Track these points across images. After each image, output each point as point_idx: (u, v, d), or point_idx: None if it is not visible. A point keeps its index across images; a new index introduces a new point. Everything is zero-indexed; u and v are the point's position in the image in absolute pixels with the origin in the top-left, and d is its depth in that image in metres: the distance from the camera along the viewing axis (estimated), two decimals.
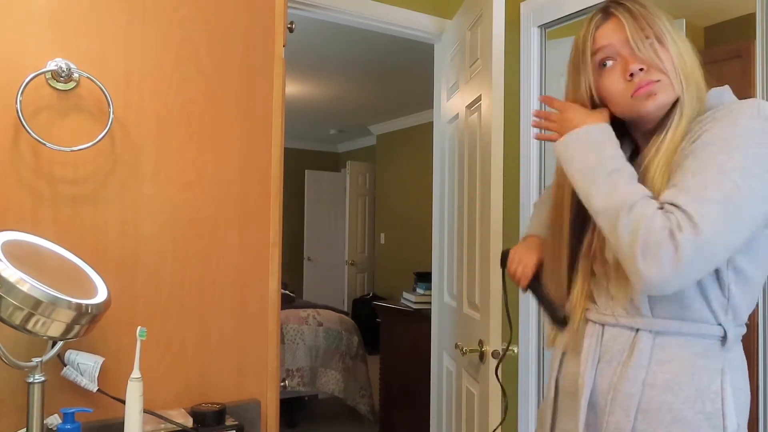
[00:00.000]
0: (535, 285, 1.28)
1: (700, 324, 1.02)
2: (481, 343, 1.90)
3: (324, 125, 7.22)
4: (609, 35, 1.08)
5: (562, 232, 1.17)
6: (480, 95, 2.00)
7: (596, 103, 1.13)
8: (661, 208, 0.94)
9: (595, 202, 1.00)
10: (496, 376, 1.58)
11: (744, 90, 2.72)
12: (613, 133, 1.08)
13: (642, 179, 1.03)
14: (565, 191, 1.15)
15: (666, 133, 1.04)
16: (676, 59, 1.05)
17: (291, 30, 1.61)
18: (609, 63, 1.09)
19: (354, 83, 5.35)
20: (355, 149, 8.30)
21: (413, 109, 6.28)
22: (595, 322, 1.12)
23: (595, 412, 1.08)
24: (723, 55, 2.87)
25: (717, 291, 1.01)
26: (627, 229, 0.94)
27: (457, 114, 2.32)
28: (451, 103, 2.46)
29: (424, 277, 3.52)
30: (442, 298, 2.59)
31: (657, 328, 1.04)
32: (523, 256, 1.30)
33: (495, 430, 1.68)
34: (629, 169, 1.02)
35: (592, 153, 1.04)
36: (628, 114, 1.10)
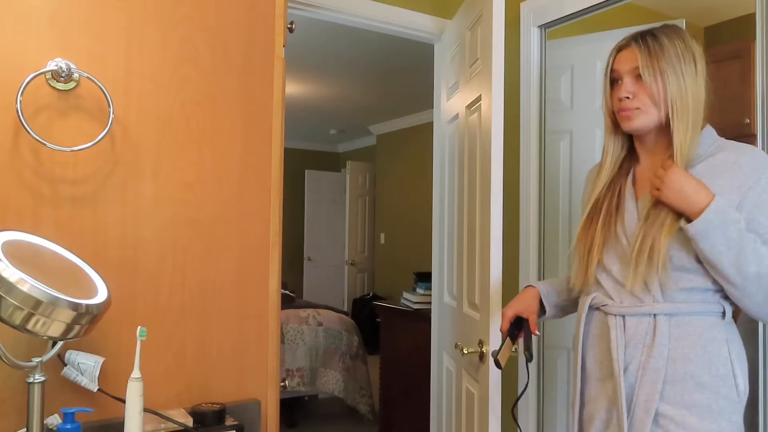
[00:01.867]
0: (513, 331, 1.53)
1: (704, 304, 1.26)
2: (481, 343, 1.90)
3: (324, 125, 7.22)
4: (623, 61, 1.33)
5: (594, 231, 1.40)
6: (480, 95, 2.00)
7: (611, 112, 1.39)
8: None
9: (749, 268, 1.18)
10: (513, 416, 1.70)
11: (744, 90, 2.73)
12: (730, 205, 1.24)
13: (642, 189, 1.33)
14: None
15: (674, 157, 1.27)
16: (670, 91, 1.27)
17: (291, 30, 1.61)
18: (618, 82, 1.35)
19: (354, 83, 5.35)
20: (355, 149, 8.30)
21: (413, 109, 6.28)
22: (616, 315, 1.32)
23: (625, 390, 1.28)
24: (723, 55, 2.87)
25: (716, 283, 1.24)
26: None
27: (457, 114, 2.32)
28: (451, 103, 2.46)
29: (424, 277, 3.52)
30: (442, 298, 2.59)
31: (671, 311, 1.26)
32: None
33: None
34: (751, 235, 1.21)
35: (731, 228, 1.19)
36: (620, 126, 1.37)
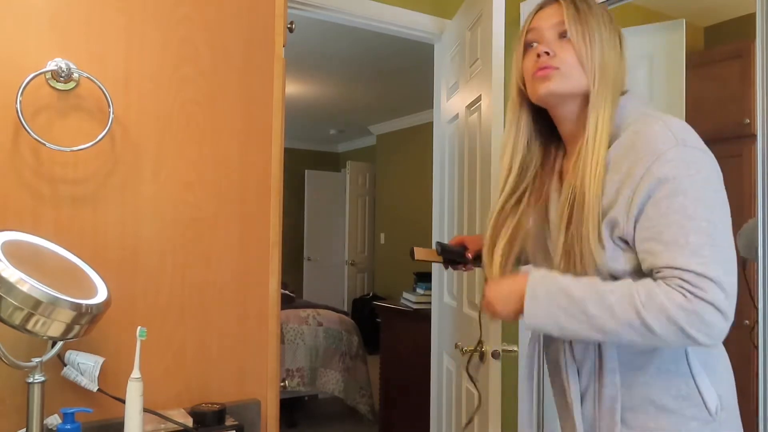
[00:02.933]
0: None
1: None
2: (481, 343, 1.90)
3: (324, 125, 7.22)
4: (542, 18, 1.13)
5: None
6: (480, 95, 2.00)
7: (521, 86, 1.17)
8: (657, 280, 0.98)
9: (608, 325, 0.98)
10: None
11: (744, 90, 2.73)
12: (545, 272, 1.08)
13: (581, 191, 1.06)
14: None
15: (589, 145, 1.06)
16: (596, 58, 1.08)
17: (291, 30, 1.61)
18: (534, 45, 1.13)
19: (354, 83, 5.35)
20: (355, 149, 8.29)
21: (413, 109, 6.28)
22: (559, 339, 1.16)
23: (586, 421, 1.13)
24: (723, 55, 2.87)
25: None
26: (660, 322, 0.95)
27: (457, 114, 2.32)
28: (451, 103, 2.46)
29: (424, 277, 3.52)
30: (442, 298, 2.59)
31: None
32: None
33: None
34: (588, 280, 1.03)
35: (559, 298, 1.02)
36: (532, 96, 1.15)
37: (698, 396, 1.05)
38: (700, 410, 1.04)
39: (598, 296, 0.99)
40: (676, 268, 0.95)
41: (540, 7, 1.15)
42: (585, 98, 1.10)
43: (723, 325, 0.94)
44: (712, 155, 1.02)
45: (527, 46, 1.15)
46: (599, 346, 1.10)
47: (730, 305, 0.94)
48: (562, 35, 1.10)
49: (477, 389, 1.73)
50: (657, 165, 0.98)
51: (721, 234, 0.97)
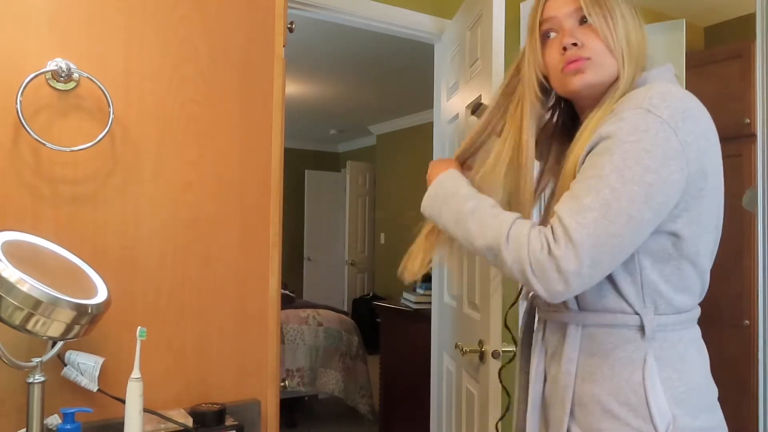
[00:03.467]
0: None
1: (616, 314, 1.00)
2: (481, 343, 1.90)
3: (324, 125, 7.22)
4: (556, 7, 1.06)
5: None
6: (480, 95, 2.00)
7: (540, 78, 1.10)
8: (537, 225, 0.96)
9: (477, 242, 1.00)
10: (500, 378, 1.59)
11: (744, 90, 2.73)
12: (459, 175, 1.11)
13: (568, 156, 1.03)
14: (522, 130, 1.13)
15: (596, 112, 1.02)
16: (621, 39, 1.02)
17: (291, 30, 1.61)
18: (552, 35, 1.07)
19: (354, 83, 5.35)
20: (355, 149, 8.29)
21: (413, 109, 6.28)
22: (540, 318, 1.16)
23: (546, 405, 1.10)
24: (723, 55, 2.87)
25: (627, 279, 0.99)
26: (512, 257, 0.95)
27: (457, 114, 2.32)
28: (451, 103, 2.46)
29: (424, 277, 3.52)
30: (442, 298, 2.59)
31: (582, 320, 1.04)
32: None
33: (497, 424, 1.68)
34: (487, 200, 1.04)
35: (452, 200, 1.06)
36: (560, 90, 1.09)
37: (645, 409, 0.96)
38: (645, 423, 0.96)
39: (480, 214, 1.01)
40: (557, 215, 0.93)
41: None
42: (613, 81, 1.05)
43: (560, 288, 0.91)
44: (691, 134, 0.93)
45: (544, 37, 1.09)
46: (565, 328, 1.06)
47: (577, 276, 0.90)
48: (582, 21, 1.04)
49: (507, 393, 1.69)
50: (611, 122, 0.95)
51: (617, 209, 0.89)
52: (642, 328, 0.99)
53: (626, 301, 1.00)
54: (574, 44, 1.03)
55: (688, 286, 1.02)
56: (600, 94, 1.05)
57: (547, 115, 1.21)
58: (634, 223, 0.91)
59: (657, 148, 0.91)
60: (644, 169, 0.90)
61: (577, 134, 1.04)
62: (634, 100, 0.95)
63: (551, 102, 1.19)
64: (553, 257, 0.90)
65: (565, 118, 1.20)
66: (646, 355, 0.98)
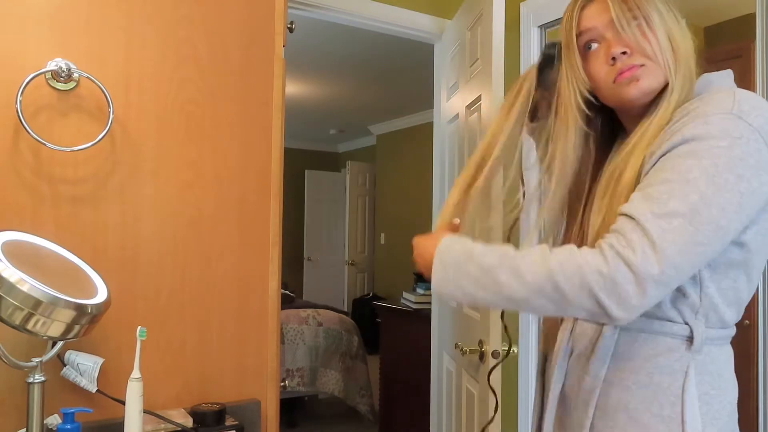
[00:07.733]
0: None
1: (664, 322, 0.95)
2: (481, 343, 1.90)
3: (324, 125, 7.22)
4: (593, 17, 1.01)
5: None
6: (480, 95, 2.00)
7: (585, 93, 1.04)
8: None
9: (517, 294, 0.89)
10: (488, 380, 1.58)
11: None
12: (459, 238, 1.01)
13: (623, 164, 0.97)
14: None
15: (653, 118, 0.97)
16: (664, 42, 0.97)
17: (291, 30, 1.61)
18: (594, 46, 1.02)
19: (354, 83, 5.35)
20: (355, 149, 8.30)
21: (413, 109, 6.28)
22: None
23: (565, 407, 1.04)
24: (723, 55, 2.87)
25: (687, 289, 0.93)
26: (572, 285, 0.85)
27: (457, 114, 2.32)
28: (451, 103, 2.46)
29: (424, 278, 3.52)
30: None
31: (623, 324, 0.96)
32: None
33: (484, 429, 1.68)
34: (506, 247, 0.94)
35: (467, 264, 0.94)
36: (613, 101, 1.04)
37: (679, 424, 0.91)
38: None
39: (509, 262, 0.90)
40: (630, 219, 0.85)
41: (582, 7, 1.03)
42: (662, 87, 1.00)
43: (635, 300, 0.83)
44: None
45: (584, 50, 1.03)
46: (599, 330, 0.99)
47: (655, 284, 0.82)
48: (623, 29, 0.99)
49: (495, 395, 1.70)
50: (694, 124, 0.88)
51: (707, 217, 0.83)
52: (689, 339, 0.94)
53: (678, 310, 0.94)
54: (624, 53, 0.98)
55: (738, 299, 0.98)
56: (650, 101, 1.00)
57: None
58: (721, 233, 0.85)
59: (750, 156, 0.85)
60: (737, 177, 0.85)
61: (633, 141, 0.98)
62: (717, 103, 0.89)
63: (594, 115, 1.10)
64: (629, 265, 0.82)
65: (603, 128, 1.13)
66: (688, 368, 0.93)
